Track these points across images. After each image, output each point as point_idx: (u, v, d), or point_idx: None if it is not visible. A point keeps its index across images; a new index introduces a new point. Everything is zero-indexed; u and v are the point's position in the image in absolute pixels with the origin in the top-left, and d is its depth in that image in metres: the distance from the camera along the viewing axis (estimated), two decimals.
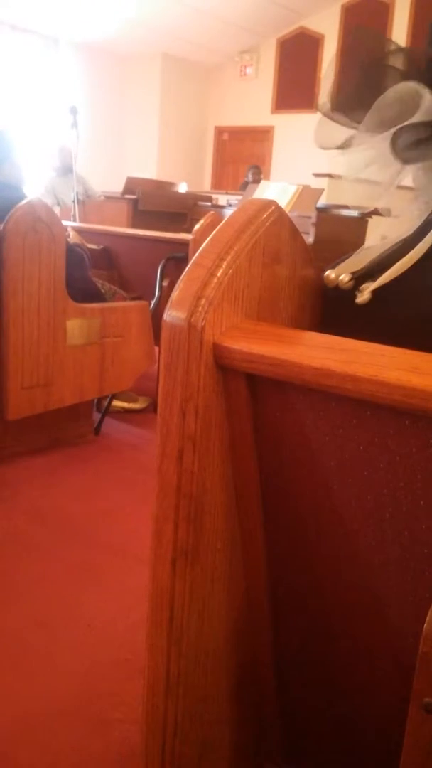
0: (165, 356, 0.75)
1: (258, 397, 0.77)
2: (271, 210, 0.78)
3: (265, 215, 0.78)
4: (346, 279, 0.89)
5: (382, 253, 0.90)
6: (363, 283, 0.87)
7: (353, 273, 0.89)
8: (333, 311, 0.91)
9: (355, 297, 0.87)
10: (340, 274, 0.89)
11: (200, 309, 0.73)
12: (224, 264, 0.74)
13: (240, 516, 0.85)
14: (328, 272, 0.90)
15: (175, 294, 0.75)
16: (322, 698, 0.95)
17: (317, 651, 0.91)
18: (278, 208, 0.80)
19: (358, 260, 0.90)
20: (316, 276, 0.90)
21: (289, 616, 0.92)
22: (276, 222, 0.79)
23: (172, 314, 0.74)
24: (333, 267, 0.92)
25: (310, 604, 0.88)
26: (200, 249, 0.76)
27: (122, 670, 1.54)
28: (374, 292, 0.85)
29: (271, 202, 0.79)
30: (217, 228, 0.77)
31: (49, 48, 8.85)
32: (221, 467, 0.80)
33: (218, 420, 0.77)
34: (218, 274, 0.74)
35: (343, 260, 0.93)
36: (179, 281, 0.76)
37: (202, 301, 0.73)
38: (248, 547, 0.87)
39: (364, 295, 0.86)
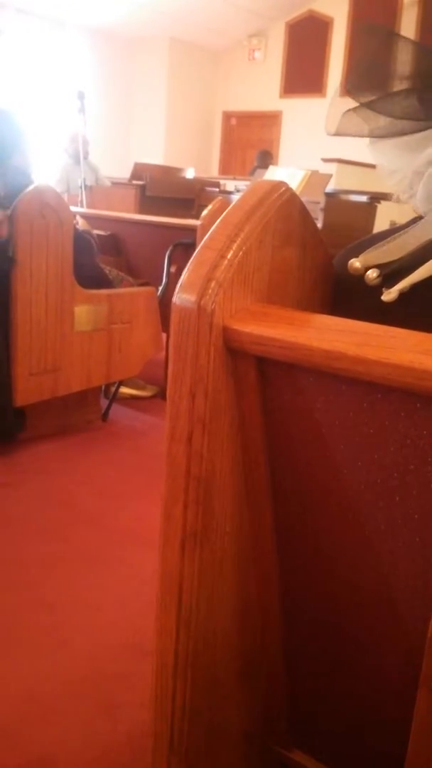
0: (174, 339, 0.75)
1: (268, 380, 0.77)
2: (281, 191, 0.78)
3: (276, 196, 0.77)
4: (374, 275, 0.83)
5: (415, 249, 0.83)
6: (392, 280, 0.82)
7: (381, 268, 0.84)
8: (348, 297, 0.89)
9: (374, 289, 0.83)
10: (367, 264, 0.84)
11: (210, 292, 0.72)
12: (234, 246, 0.74)
13: (249, 499, 0.85)
14: (352, 261, 0.85)
15: (184, 276, 0.75)
16: (330, 681, 0.95)
17: (326, 634, 0.91)
18: (289, 189, 0.79)
19: (389, 251, 0.85)
20: (326, 259, 0.89)
21: (298, 600, 0.92)
22: (287, 203, 0.78)
23: (181, 297, 0.74)
24: (350, 254, 0.88)
25: (319, 587, 0.88)
26: (210, 231, 0.75)
27: (131, 652, 1.55)
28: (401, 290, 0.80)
29: (282, 183, 0.78)
30: (227, 209, 0.77)
31: (55, 31, 8.79)
32: (230, 450, 0.80)
33: (228, 403, 0.77)
34: (228, 257, 0.73)
35: (356, 246, 0.91)
36: (189, 263, 0.75)
37: (212, 284, 0.73)
38: (257, 531, 0.87)
39: (391, 294, 0.80)
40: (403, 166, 0.87)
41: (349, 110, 0.85)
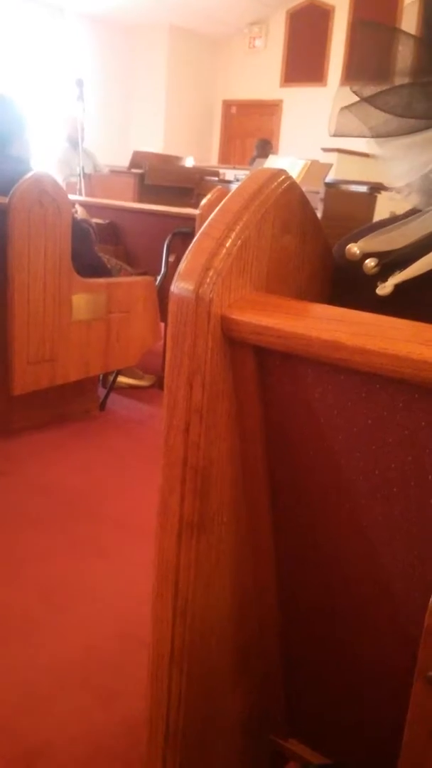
0: (172, 328, 0.74)
1: (266, 370, 0.76)
2: (281, 179, 0.77)
3: (275, 184, 0.76)
4: (372, 264, 0.81)
5: (416, 241, 0.81)
6: (389, 271, 0.80)
7: (380, 257, 0.82)
8: (346, 287, 0.88)
9: (373, 279, 0.82)
10: (365, 251, 0.82)
11: (208, 280, 0.72)
12: (233, 234, 0.73)
13: (246, 489, 0.85)
14: (350, 245, 0.83)
15: (183, 265, 0.74)
16: (327, 671, 0.95)
17: (323, 625, 0.91)
18: (289, 177, 0.78)
19: (389, 239, 0.83)
20: (326, 248, 0.89)
21: (295, 591, 0.92)
22: (286, 191, 0.77)
23: (179, 285, 0.73)
24: (350, 241, 0.87)
25: (317, 578, 0.88)
26: (209, 218, 0.74)
27: (127, 643, 1.55)
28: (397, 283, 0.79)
29: (282, 171, 0.78)
30: (227, 197, 0.76)
31: (55, 18, 8.71)
32: (228, 440, 0.79)
33: (226, 393, 0.77)
34: (227, 245, 0.72)
35: (357, 234, 0.89)
36: (187, 252, 0.74)
37: (211, 273, 0.72)
38: (254, 521, 0.87)
39: (386, 288, 0.79)
40: (412, 167, 0.85)
41: (344, 108, 0.83)
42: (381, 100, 0.82)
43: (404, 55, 0.84)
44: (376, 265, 0.82)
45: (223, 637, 0.91)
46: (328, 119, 0.86)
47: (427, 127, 0.81)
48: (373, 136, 0.85)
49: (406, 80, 0.82)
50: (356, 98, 0.83)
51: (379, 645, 0.86)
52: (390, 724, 0.84)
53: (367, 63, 0.88)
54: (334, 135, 0.87)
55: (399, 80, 0.83)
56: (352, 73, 0.88)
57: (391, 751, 0.80)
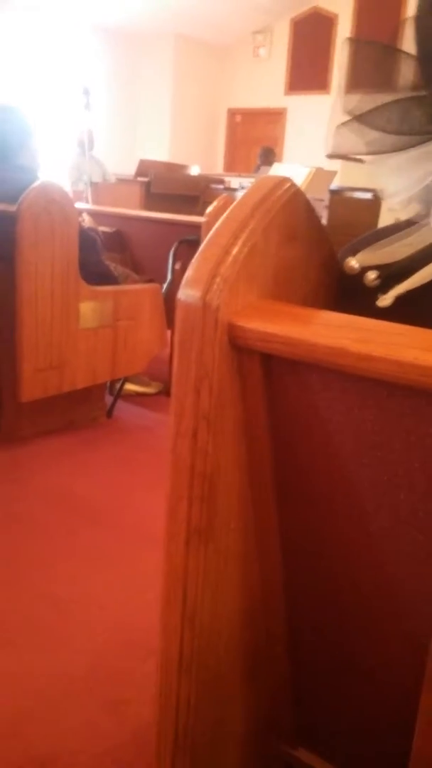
0: (179, 335, 0.75)
1: (273, 377, 0.77)
2: (286, 187, 0.77)
3: (281, 192, 0.76)
4: (373, 276, 0.81)
5: (416, 252, 0.81)
6: (390, 284, 0.80)
7: (381, 269, 0.82)
8: (352, 293, 0.88)
9: (374, 289, 0.82)
10: (363, 264, 0.82)
11: (215, 288, 0.72)
12: (239, 242, 0.73)
13: (253, 496, 0.85)
14: (348, 259, 0.84)
15: (189, 272, 0.74)
16: (335, 678, 0.95)
17: (331, 631, 0.91)
18: (293, 185, 0.78)
19: (387, 253, 0.83)
20: (331, 255, 0.89)
21: (303, 597, 0.92)
22: (291, 199, 0.78)
23: (186, 293, 0.74)
24: (351, 250, 0.87)
25: (324, 584, 0.88)
26: (215, 226, 0.75)
27: (135, 650, 1.55)
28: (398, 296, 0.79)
29: (287, 179, 0.78)
30: (233, 205, 0.76)
31: (62, 28, 8.78)
32: (235, 447, 0.80)
33: (232, 399, 0.77)
34: (233, 252, 0.73)
35: (360, 242, 0.90)
36: (194, 259, 0.75)
37: (217, 280, 0.72)
38: (262, 527, 0.87)
39: (387, 300, 0.79)
40: (409, 182, 0.84)
41: (340, 125, 0.83)
42: (373, 118, 0.82)
43: (395, 70, 0.84)
44: (377, 278, 0.82)
45: (231, 644, 0.91)
46: (324, 139, 0.86)
47: (421, 142, 0.81)
48: (369, 153, 0.84)
49: (397, 96, 0.82)
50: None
51: (387, 652, 0.86)
52: (399, 733, 0.84)
53: (360, 80, 0.87)
54: (332, 153, 0.86)
55: (390, 97, 0.82)
56: (342, 90, 0.87)
57: (401, 759, 0.80)
